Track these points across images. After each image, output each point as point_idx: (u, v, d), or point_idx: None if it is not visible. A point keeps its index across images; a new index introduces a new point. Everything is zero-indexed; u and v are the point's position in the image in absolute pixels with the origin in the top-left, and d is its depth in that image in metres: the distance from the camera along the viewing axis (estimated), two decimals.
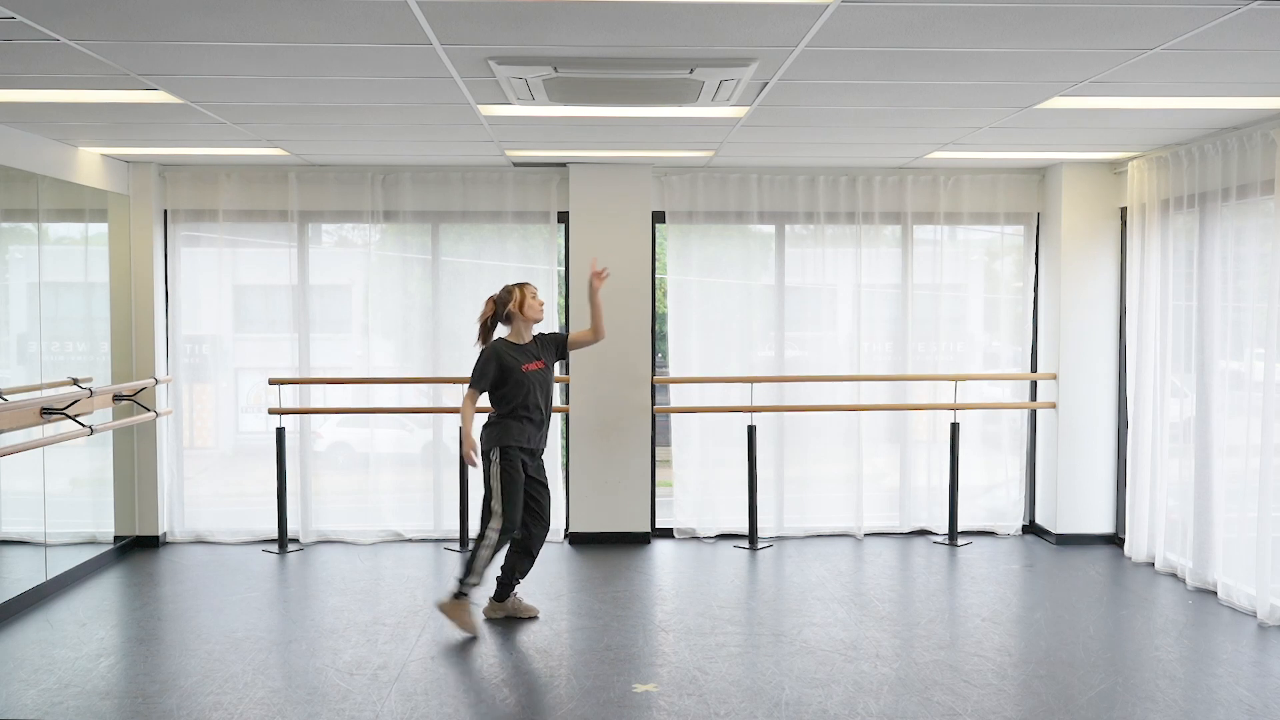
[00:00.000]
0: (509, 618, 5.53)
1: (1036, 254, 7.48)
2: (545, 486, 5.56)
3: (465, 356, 7.27)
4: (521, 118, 5.40)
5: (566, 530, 7.30)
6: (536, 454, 5.48)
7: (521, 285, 5.50)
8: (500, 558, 5.42)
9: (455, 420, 7.21)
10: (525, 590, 5.83)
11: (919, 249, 7.44)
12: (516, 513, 5.31)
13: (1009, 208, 7.40)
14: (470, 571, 5.28)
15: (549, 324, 7.24)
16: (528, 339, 5.49)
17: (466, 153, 6.63)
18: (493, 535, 5.26)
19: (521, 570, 5.54)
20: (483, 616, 5.50)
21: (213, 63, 4.24)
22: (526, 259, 7.39)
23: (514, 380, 5.35)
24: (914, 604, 5.95)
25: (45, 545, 6.10)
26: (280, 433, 7.06)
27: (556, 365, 5.67)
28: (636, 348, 7.19)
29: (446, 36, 3.83)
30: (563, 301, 7.40)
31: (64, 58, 4.12)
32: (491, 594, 5.56)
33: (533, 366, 5.41)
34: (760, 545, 7.16)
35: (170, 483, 7.29)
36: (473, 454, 5.34)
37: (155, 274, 7.11)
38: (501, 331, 5.56)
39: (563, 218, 7.29)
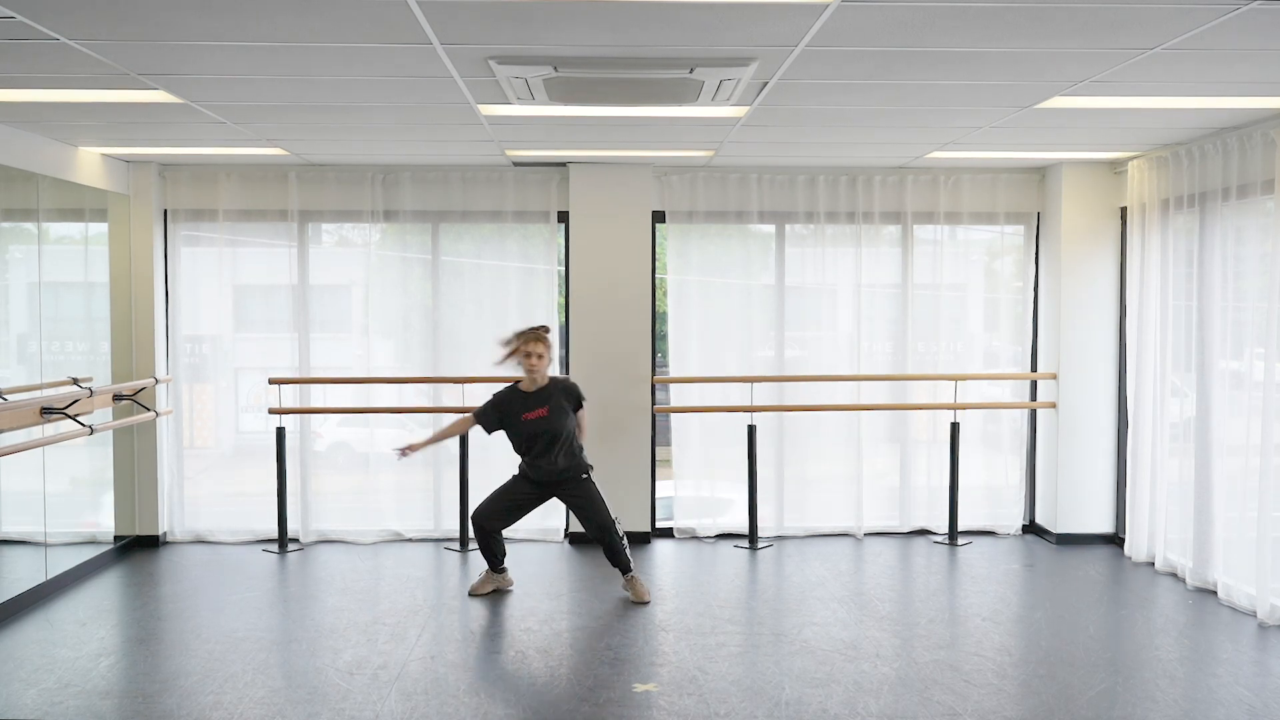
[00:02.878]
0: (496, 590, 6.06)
1: (1036, 254, 7.48)
2: (582, 497, 5.95)
3: (465, 357, 7.29)
4: (521, 117, 5.40)
5: (566, 530, 7.29)
6: (549, 480, 5.90)
7: (522, 336, 5.83)
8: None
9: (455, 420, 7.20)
10: (525, 587, 6.00)
11: (919, 249, 7.44)
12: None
13: (1009, 207, 7.40)
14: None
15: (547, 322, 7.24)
16: (533, 388, 5.84)
17: (466, 152, 6.63)
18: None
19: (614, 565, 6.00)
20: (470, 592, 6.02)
21: (213, 62, 4.24)
22: (526, 259, 7.39)
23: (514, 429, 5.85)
24: (914, 604, 5.95)
25: (45, 545, 6.11)
26: (280, 432, 7.06)
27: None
28: (636, 347, 7.18)
29: (446, 36, 3.83)
30: (562, 301, 7.40)
31: (64, 58, 4.12)
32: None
33: (532, 415, 5.78)
34: (760, 545, 7.15)
35: (170, 482, 7.29)
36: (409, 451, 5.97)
37: (155, 274, 7.11)
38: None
39: (563, 217, 7.29)
